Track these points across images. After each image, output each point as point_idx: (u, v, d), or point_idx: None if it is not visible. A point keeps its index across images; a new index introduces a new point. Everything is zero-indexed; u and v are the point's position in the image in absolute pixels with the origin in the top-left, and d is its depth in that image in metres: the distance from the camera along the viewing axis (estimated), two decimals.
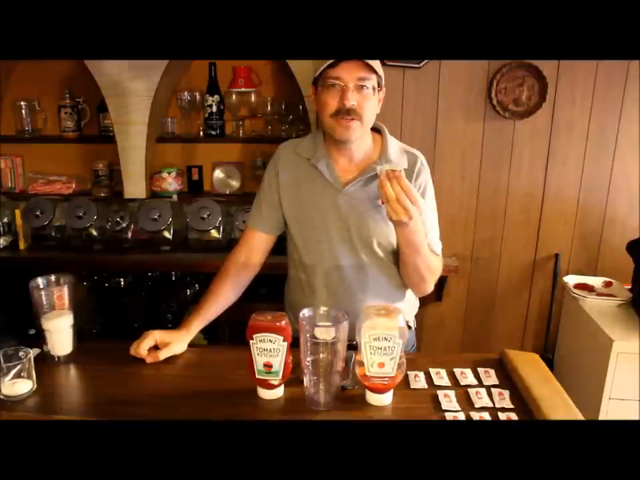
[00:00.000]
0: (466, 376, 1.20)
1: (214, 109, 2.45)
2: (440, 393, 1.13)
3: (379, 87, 1.28)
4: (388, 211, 1.18)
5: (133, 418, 1.04)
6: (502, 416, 1.06)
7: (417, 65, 2.26)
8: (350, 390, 1.14)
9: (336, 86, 1.24)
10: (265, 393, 1.11)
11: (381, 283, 1.39)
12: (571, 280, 2.36)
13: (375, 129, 1.40)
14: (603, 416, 2.01)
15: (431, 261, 1.33)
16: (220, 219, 2.40)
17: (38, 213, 2.41)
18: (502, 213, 2.43)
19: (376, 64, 1.24)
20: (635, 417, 1.98)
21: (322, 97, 1.27)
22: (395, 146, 1.38)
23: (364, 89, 1.24)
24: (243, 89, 2.48)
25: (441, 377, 1.19)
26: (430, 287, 1.39)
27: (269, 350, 1.06)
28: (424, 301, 1.50)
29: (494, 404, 1.10)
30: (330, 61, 1.22)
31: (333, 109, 1.26)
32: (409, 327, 1.47)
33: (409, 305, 1.46)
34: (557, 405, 1.05)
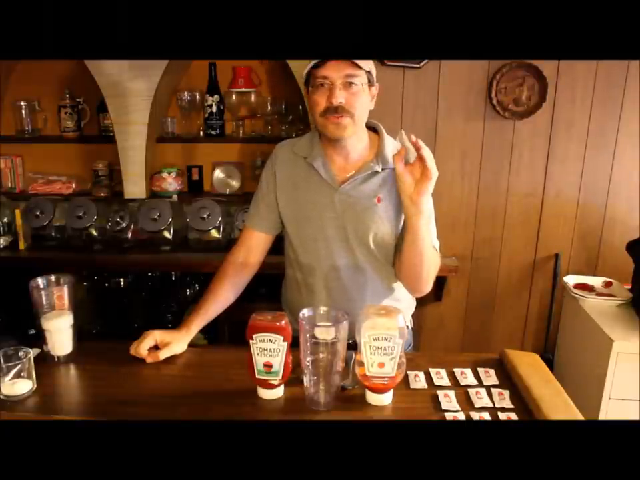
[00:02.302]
0: (466, 376, 1.20)
1: (214, 109, 2.45)
2: (440, 393, 1.13)
3: (369, 82, 1.29)
4: (429, 168, 1.16)
5: (133, 418, 1.04)
6: (502, 416, 1.06)
7: (417, 65, 2.26)
8: (350, 390, 1.14)
9: (324, 85, 1.25)
10: (265, 393, 1.11)
11: (377, 282, 1.39)
12: (571, 280, 2.36)
13: (372, 128, 1.40)
14: (603, 416, 2.01)
15: (431, 259, 1.32)
16: (220, 219, 2.40)
17: (38, 213, 2.41)
18: (502, 213, 2.43)
19: (363, 60, 1.24)
20: (635, 417, 1.97)
21: (312, 96, 1.29)
22: (391, 145, 1.38)
23: (352, 85, 1.25)
24: (243, 89, 2.48)
25: (440, 377, 1.19)
26: (426, 286, 1.37)
27: (268, 350, 1.06)
28: (424, 301, 1.50)
29: (494, 404, 1.10)
30: (315, 61, 1.23)
31: (322, 107, 1.27)
32: (406, 327, 1.47)
33: (406, 304, 1.46)
34: (557, 405, 1.05)
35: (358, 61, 1.22)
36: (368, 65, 1.27)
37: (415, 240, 1.26)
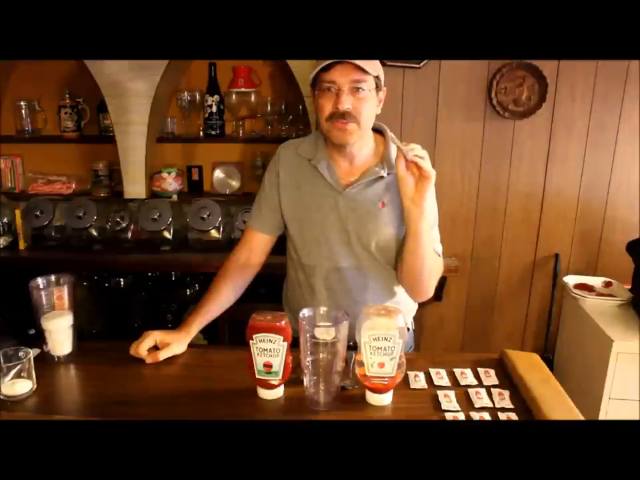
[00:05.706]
0: (466, 376, 1.20)
1: (214, 109, 2.45)
2: (440, 393, 1.13)
3: (377, 87, 1.27)
4: (425, 169, 1.19)
5: (133, 418, 1.04)
6: (502, 416, 1.06)
7: (417, 65, 2.26)
8: (350, 390, 1.14)
9: (331, 89, 1.23)
10: (264, 393, 1.11)
11: (379, 284, 1.39)
12: (570, 280, 2.36)
13: (378, 130, 1.39)
14: (602, 416, 2.01)
15: (432, 265, 1.31)
16: (220, 219, 2.39)
17: (38, 213, 2.41)
18: (502, 212, 2.43)
19: (371, 65, 1.22)
20: (635, 417, 1.98)
21: (318, 100, 1.27)
22: (396, 149, 1.37)
23: (359, 91, 1.23)
24: (243, 89, 2.49)
25: (440, 376, 1.19)
26: (427, 291, 1.37)
27: (268, 350, 1.06)
28: (424, 301, 1.49)
29: (494, 404, 1.10)
30: (322, 64, 1.21)
31: (328, 112, 1.25)
32: (407, 329, 1.47)
33: (407, 307, 1.46)
34: (557, 405, 1.05)
35: (366, 67, 1.20)
36: (376, 69, 1.24)
37: (416, 245, 1.27)
